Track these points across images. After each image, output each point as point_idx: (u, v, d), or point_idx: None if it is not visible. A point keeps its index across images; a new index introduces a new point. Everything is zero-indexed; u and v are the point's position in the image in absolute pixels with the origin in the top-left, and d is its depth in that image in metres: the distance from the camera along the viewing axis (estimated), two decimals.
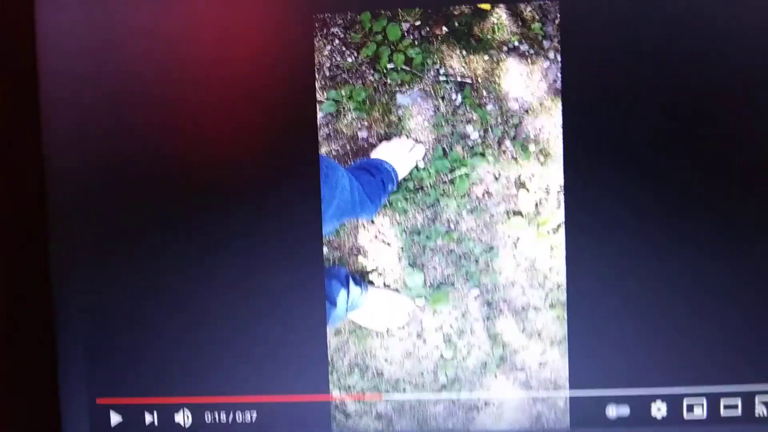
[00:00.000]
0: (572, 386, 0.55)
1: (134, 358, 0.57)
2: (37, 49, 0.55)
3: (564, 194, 0.53)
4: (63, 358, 0.57)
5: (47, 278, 0.56)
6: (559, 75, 0.52)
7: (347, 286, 0.55)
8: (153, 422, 0.57)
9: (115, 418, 0.57)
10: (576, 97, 0.52)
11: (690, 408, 0.53)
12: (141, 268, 0.56)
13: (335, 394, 0.56)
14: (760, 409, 0.53)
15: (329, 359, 0.56)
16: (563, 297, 0.54)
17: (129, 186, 0.56)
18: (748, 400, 0.53)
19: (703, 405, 0.53)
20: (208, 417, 0.56)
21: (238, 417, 0.56)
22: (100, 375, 0.57)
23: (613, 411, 0.55)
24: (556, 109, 0.53)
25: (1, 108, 0.53)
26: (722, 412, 0.53)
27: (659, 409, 0.54)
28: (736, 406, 0.53)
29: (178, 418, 0.57)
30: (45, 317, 0.57)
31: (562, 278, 0.54)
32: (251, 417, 0.56)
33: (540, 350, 0.55)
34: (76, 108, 0.55)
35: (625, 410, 0.54)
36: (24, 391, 0.55)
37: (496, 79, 0.53)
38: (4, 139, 0.53)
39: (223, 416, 0.56)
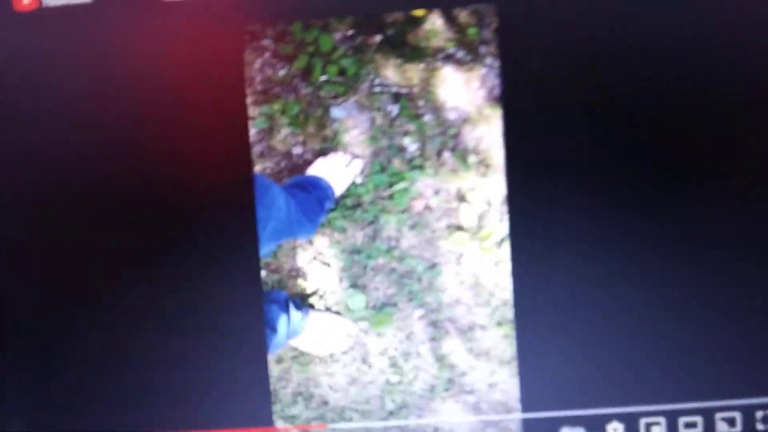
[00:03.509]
0: (524, 408, 0.53)
1: (69, 390, 0.55)
2: None
3: (507, 206, 0.51)
4: None
5: None
6: (498, 81, 0.51)
7: (287, 311, 0.54)
8: None
9: None
10: (517, 104, 0.51)
11: (648, 427, 0.51)
12: (73, 296, 0.55)
13: (279, 425, 0.55)
14: (720, 427, 0.50)
15: (271, 389, 0.54)
16: (510, 314, 0.52)
17: (57, 209, 0.54)
18: (708, 417, 0.51)
19: (661, 424, 0.51)
20: None
21: None
22: (34, 408, 0.56)
23: None
24: (495, 117, 0.51)
25: None
26: (681, 430, 0.51)
27: (616, 430, 0.52)
28: (695, 424, 0.51)
29: None
30: None
31: (508, 294, 0.52)
32: None
33: (489, 371, 0.53)
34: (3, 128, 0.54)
35: None
36: None
37: (433, 88, 0.52)
38: None
39: None
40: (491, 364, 0.53)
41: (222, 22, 0.53)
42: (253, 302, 0.54)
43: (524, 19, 0.51)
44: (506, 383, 0.53)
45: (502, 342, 0.53)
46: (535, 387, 0.53)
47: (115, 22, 0.53)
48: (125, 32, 0.53)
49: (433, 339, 0.54)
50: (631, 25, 0.50)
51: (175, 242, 0.54)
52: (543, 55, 0.51)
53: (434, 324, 0.54)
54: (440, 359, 0.54)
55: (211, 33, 0.53)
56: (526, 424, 0.53)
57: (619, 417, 0.52)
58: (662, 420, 0.52)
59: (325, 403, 0.55)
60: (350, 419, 0.55)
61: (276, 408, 0.55)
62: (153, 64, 0.53)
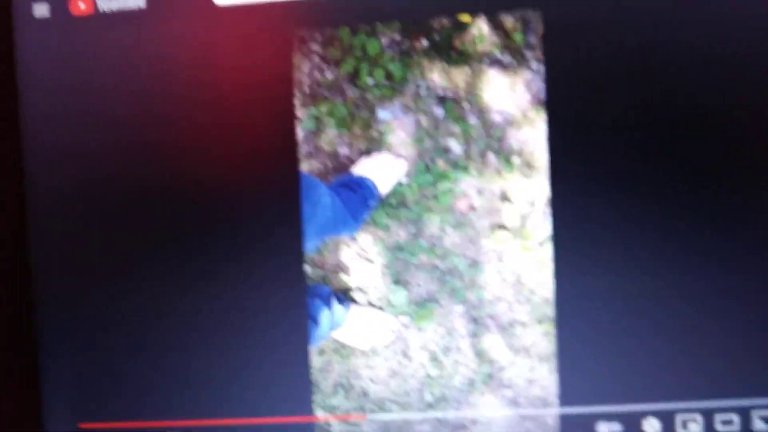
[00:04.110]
0: (562, 403, 0.53)
1: (117, 381, 0.56)
2: (17, 69, 0.55)
3: (550, 207, 0.51)
4: (46, 382, 0.57)
5: (30, 300, 0.56)
6: (543, 86, 0.51)
7: (330, 305, 0.55)
8: None
9: None
10: (561, 108, 0.51)
11: (684, 424, 0.52)
12: (122, 290, 0.56)
13: (319, 414, 0.55)
14: (757, 425, 0.51)
15: (312, 379, 0.55)
16: (551, 312, 0.53)
17: (109, 208, 0.55)
18: (745, 415, 0.51)
19: (697, 421, 0.51)
20: None
21: None
22: (83, 399, 0.57)
23: (603, 428, 0.53)
24: (540, 120, 0.52)
25: None
26: (718, 427, 0.52)
27: (652, 426, 0.53)
28: (731, 422, 0.52)
29: None
30: (28, 340, 0.57)
31: (549, 293, 0.53)
32: None
33: (528, 367, 0.54)
34: (57, 130, 0.56)
35: (616, 427, 0.53)
36: (6, 415, 0.55)
37: (478, 91, 0.53)
38: None
39: None
40: (530, 360, 0.54)
41: (272, 27, 0.53)
42: (297, 296, 0.55)
43: (569, 25, 0.51)
44: (545, 379, 0.54)
45: (542, 339, 0.53)
46: (573, 383, 0.53)
47: (168, 26, 0.54)
48: (178, 36, 0.54)
49: (473, 335, 0.54)
50: (677, 30, 0.50)
51: (224, 237, 0.55)
52: (587, 60, 0.51)
53: (475, 320, 0.54)
54: (480, 354, 0.54)
55: (261, 37, 0.54)
56: (563, 418, 0.54)
57: (655, 413, 0.53)
58: (698, 417, 0.52)
59: (365, 394, 0.56)
60: (389, 410, 0.55)
61: (316, 398, 0.56)
62: (204, 67, 0.54)
